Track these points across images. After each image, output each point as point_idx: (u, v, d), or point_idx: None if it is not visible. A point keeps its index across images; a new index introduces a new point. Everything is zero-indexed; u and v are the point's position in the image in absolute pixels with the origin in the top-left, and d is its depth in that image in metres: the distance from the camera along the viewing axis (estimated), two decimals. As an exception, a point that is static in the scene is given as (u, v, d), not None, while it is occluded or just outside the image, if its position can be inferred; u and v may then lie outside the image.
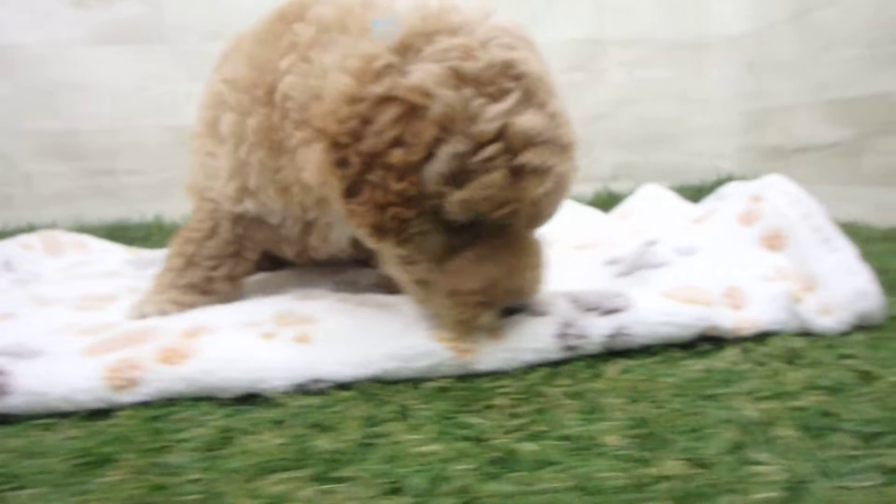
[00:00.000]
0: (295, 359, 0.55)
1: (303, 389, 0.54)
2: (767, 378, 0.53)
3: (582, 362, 0.58)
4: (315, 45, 0.60)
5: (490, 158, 0.49)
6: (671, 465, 0.39)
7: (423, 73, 0.49)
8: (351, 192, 0.51)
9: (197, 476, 0.41)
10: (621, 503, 0.36)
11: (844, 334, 0.63)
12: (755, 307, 0.65)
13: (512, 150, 0.49)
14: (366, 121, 0.50)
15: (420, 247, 0.54)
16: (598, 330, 0.59)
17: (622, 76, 1.90)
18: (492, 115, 0.49)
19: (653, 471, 0.39)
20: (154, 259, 1.12)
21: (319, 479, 0.40)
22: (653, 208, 1.11)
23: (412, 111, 0.49)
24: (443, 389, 0.53)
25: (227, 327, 0.60)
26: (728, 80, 1.89)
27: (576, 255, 0.91)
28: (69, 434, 0.48)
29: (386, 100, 0.50)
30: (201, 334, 0.58)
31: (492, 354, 0.57)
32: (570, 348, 0.59)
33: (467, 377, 0.56)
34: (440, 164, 0.50)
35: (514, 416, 0.47)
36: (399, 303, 0.64)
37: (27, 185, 1.75)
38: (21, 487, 0.40)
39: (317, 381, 0.54)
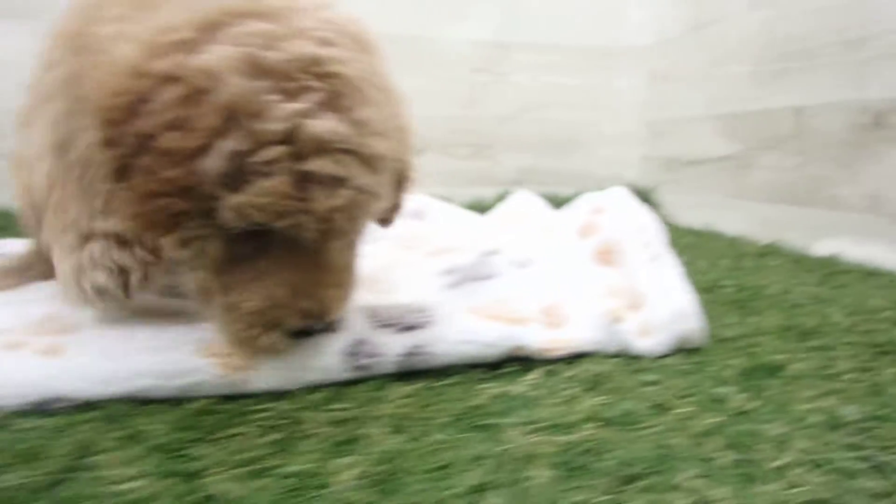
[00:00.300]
0: (36, 374, 0.50)
1: (42, 409, 0.49)
2: (557, 406, 0.52)
3: (371, 383, 0.56)
4: (147, 5, 0.54)
5: (271, 161, 0.44)
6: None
7: (214, 56, 0.44)
8: (119, 176, 0.46)
9: None
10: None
11: (663, 356, 0.63)
12: (573, 326, 0.64)
13: (299, 156, 0.44)
14: (143, 99, 0.45)
15: (199, 252, 0.49)
16: (393, 348, 0.57)
17: (528, 80, 1.90)
18: (282, 113, 0.44)
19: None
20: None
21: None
22: (520, 215, 1.11)
23: (196, 94, 0.44)
24: (202, 412, 0.50)
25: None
26: (634, 90, 1.93)
27: (421, 263, 0.89)
28: None
29: (169, 78, 0.44)
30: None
31: (268, 373, 0.53)
32: (360, 368, 0.56)
33: (235, 397, 0.52)
34: (216, 160, 0.44)
35: (252, 447, 0.44)
36: (192, 310, 0.59)
37: None
38: None
39: (57, 399, 0.49)
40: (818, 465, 0.42)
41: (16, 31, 1.56)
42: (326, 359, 0.55)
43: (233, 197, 0.44)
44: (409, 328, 0.59)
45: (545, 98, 1.92)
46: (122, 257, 0.53)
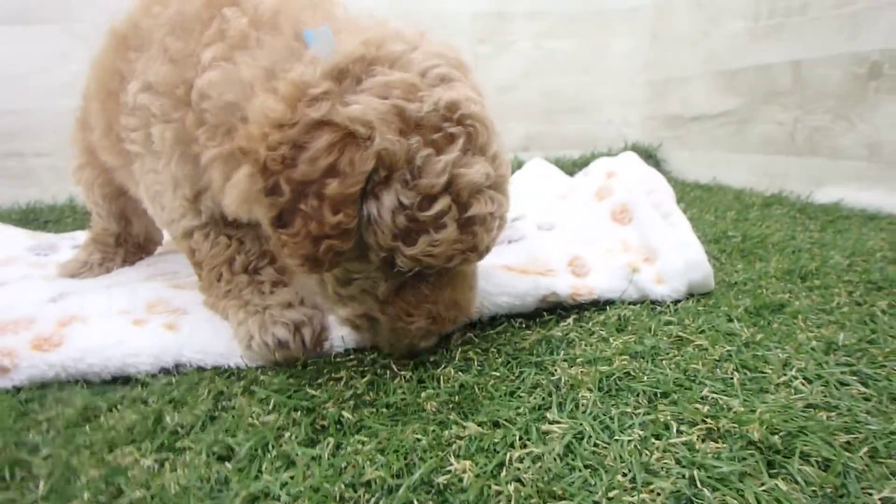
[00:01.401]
0: (162, 344, 0.60)
1: (167, 372, 0.59)
2: (592, 345, 0.61)
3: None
4: (243, 43, 0.57)
5: (440, 214, 0.48)
6: (472, 427, 0.46)
7: (365, 107, 0.48)
8: (281, 221, 0.49)
9: (51, 451, 0.46)
10: (419, 459, 0.43)
11: (677, 301, 0.72)
12: (596, 276, 0.73)
13: (460, 203, 0.49)
14: (298, 146, 0.48)
15: (363, 288, 0.56)
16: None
17: (529, 48, 1.95)
18: (440, 167, 0.48)
19: (455, 431, 0.46)
20: (54, 244, 1.13)
21: (161, 449, 0.46)
22: (535, 181, 1.19)
23: (349, 138, 0.47)
24: (303, 365, 0.60)
25: (99, 315, 0.64)
26: (632, 51, 1.97)
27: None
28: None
29: (321, 124, 0.48)
30: (74, 322, 0.62)
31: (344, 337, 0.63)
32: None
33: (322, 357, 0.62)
34: (387, 216, 0.48)
35: (349, 387, 0.54)
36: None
37: None
38: None
39: (180, 365, 0.59)
40: (817, 378, 0.52)
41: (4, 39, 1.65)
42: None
43: (409, 250, 0.50)
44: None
45: (547, 64, 1.97)
46: (295, 315, 0.61)
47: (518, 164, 1.94)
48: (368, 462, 0.43)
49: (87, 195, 0.96)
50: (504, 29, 1.92)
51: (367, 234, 0.50)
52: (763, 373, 0.53)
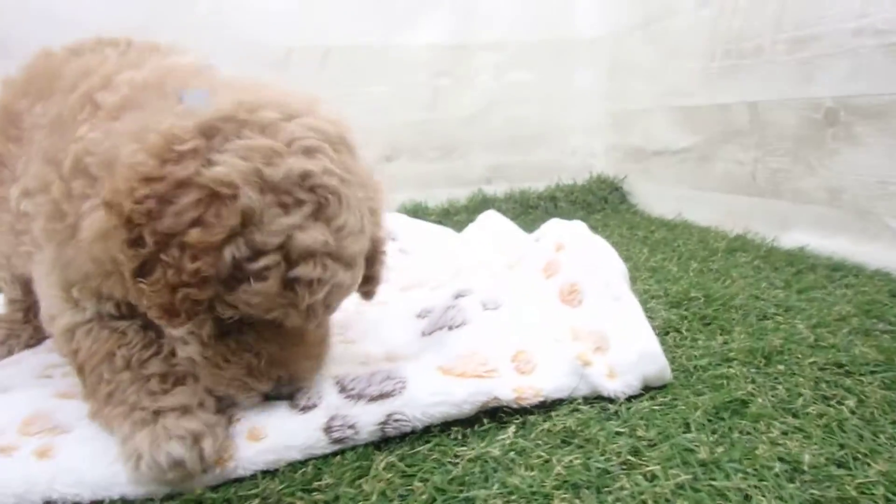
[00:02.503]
0: (30, 477, 0.51)
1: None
2: (532, 469, 0.53)
3: (351, 455, 0.57)
4: (126, 106, 0.59)
5: (266, 268, 0.50)
6: None
7: (229, 168, 0.50)
8: (142, 271, 0.50)
9: None
10: None
11: (632, 398, 0.65)
12: (543, 373, 0.66)
13: (289, 262, 0.51)
14: (164, 201, 0.49)
15: (191, 330, 0.56)
16: (368, 418, 0.58)
17: (489, 80, 1.90)
18: (278, 227, 0.50)
19: None
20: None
21: None
22: (486, 244, 1.12)
23: (215, 197, 0.49)
24: (202, 501, 0.51)
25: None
26: (593, 82, 1.94)
27: (395, 301, 0.91)
28: None
29: (187, 183, 0.49)
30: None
31: (254, 458, 0.55)
32: (338, 441, 0.57)
33: (225, 484, 0.54)
34: (223, 260, 0.50)
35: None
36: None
37: None
38: None
39: (50, 503, 0.50)
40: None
41: None
42: (305, 435, 0.57)
43: (228, 296, 0.51)
44: (380, 397, 0.60)
45: (508, 95, 1.92)
46: (193, 425, 0.54)
47: (482, 197, 1.89)
48: None
49: None
50: (463, 61, 1.87)
51: None
52: (722, 513, 0.46)
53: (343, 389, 0.61)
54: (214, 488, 0.54)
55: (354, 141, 0.58)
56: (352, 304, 0.91)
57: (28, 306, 0.90)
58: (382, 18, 1.78)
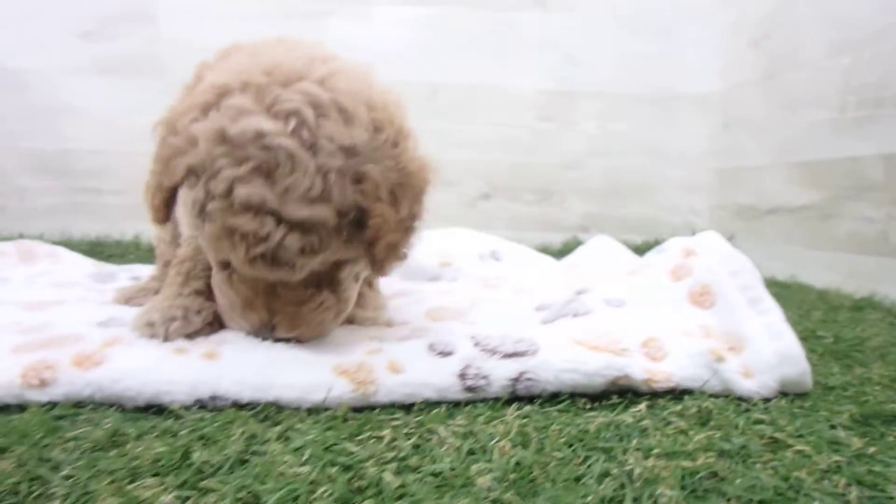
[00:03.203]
0: (200, 374, 0.57)
1: (202, 404, 0.56)
2: (669, 437, 0.53)
3: (484, 405, 0.60)
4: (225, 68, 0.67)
5: (213, 211, 0.56)
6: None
7: (203, 124, 0.57)
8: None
9: (71, 472, 0.42)
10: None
11: (766, 399, 0.63)
12: (674, 361, 0.65)
13: (230, 212, 0.55)
14: (164, 140, 0.60)
15: None
16: (501, 372, 0.61)
17: (592, 128, 1.95)
18: (224, 176, 0.55)
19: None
20: (114, 273, 1.16)
21: (185, 486, 0.41)
22: (600, 259, 1.14)
23: (182, 147, 0.58)
24: (336, 418, 0.55)
25: (143, 341, 0.63)
26: (700, 137, 1.94)
27: (509, 299, 0.93)
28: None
29: (178, 132, 0.58)
30: (117, 344, 0.60)
31: (393, 388, 0.59)
32: (470, 389, 0.60)
33: (365, 408, 0.58)
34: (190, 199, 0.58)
35: (392, 448, 0.49)
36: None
37: (20, 198, 1.85)
38: None
39: (215, 398, 0.56)
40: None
41: (109, 86, 1.80)
42: (441, 377, 0.60)
43: (201, 231, 0.59)
44: (514, 355, 0.62)
45: (608, 144, 1.95)
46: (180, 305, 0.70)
47: (577, 244, 1.90)
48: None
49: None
50: (568, 107, 1.94)
51: None
52: (885, 492, 0.44)
53: (477, 344, 0.64)
54: (358, 409, 0.58)
55: (356, 109, 0.58)
56: (466, 297, 0.96)
57: None
58: (490, 60, 1.90)
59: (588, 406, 0.61)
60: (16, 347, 0.62)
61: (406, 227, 0.62)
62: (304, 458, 0.46)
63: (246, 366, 0.59)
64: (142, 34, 1.82)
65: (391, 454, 0.47)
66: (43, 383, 0.55)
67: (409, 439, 0.50)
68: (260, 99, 0.56)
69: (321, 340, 0.67)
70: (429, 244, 1.24)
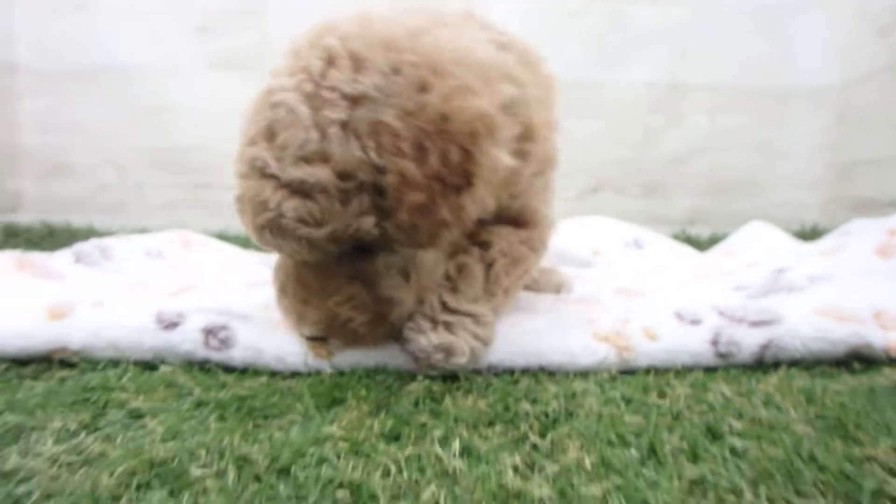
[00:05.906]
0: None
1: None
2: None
3: (736, 370, 0.61)
4: None
5: (236, 174, 0.53)
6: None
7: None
8: None
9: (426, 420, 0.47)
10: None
11: None
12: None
13: (239, 177, 0.52)
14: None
15: None
16: (751, 339, 0.62)
17: (702, 121, 1.93)
18: (242, 141, 0.52)
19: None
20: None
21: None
22: (763, 244, 1.13)
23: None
24: (613, 378, 0.58)
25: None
26: (813, 131, 1.90)
27: (697, 282, 0.94)
28: (307, 381, 0.55)
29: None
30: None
31: (652, 353, 0.61)
32: (723, 356, 0.62)
33: (629, 372, 0.60)
34: None
35: (701, 400, 0.51)
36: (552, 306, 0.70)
37: (139, 193, 1.92)
38: (278, 416, 0.47)
39: (491, 367, 0.60)
40: None
41: (223, 82, 1.87)
42: (696, 344, 0.62)
43: None
44: (760, 324, 0.64)
45: (718, 139, 1.94)
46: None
47: (685, 237, 1.89)
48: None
49: None
50: (678, 100, 1.93)
51: None
52: None
53: (722, 313, 0.66)
54: (623, 372, 0.61)
55: (369, 52, 0.50)
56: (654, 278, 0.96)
57: None
58: (600, 54, 1.91)
59: (835, 371, 0.61)
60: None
61: (442, 186, 0.49)
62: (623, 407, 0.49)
63: (515, 336, 0.63)
64: (252, 30, 1.87)
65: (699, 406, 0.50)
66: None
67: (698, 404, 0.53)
68: (297, 58, 0.53)
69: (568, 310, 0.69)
70: (571, 233, 1.27)
